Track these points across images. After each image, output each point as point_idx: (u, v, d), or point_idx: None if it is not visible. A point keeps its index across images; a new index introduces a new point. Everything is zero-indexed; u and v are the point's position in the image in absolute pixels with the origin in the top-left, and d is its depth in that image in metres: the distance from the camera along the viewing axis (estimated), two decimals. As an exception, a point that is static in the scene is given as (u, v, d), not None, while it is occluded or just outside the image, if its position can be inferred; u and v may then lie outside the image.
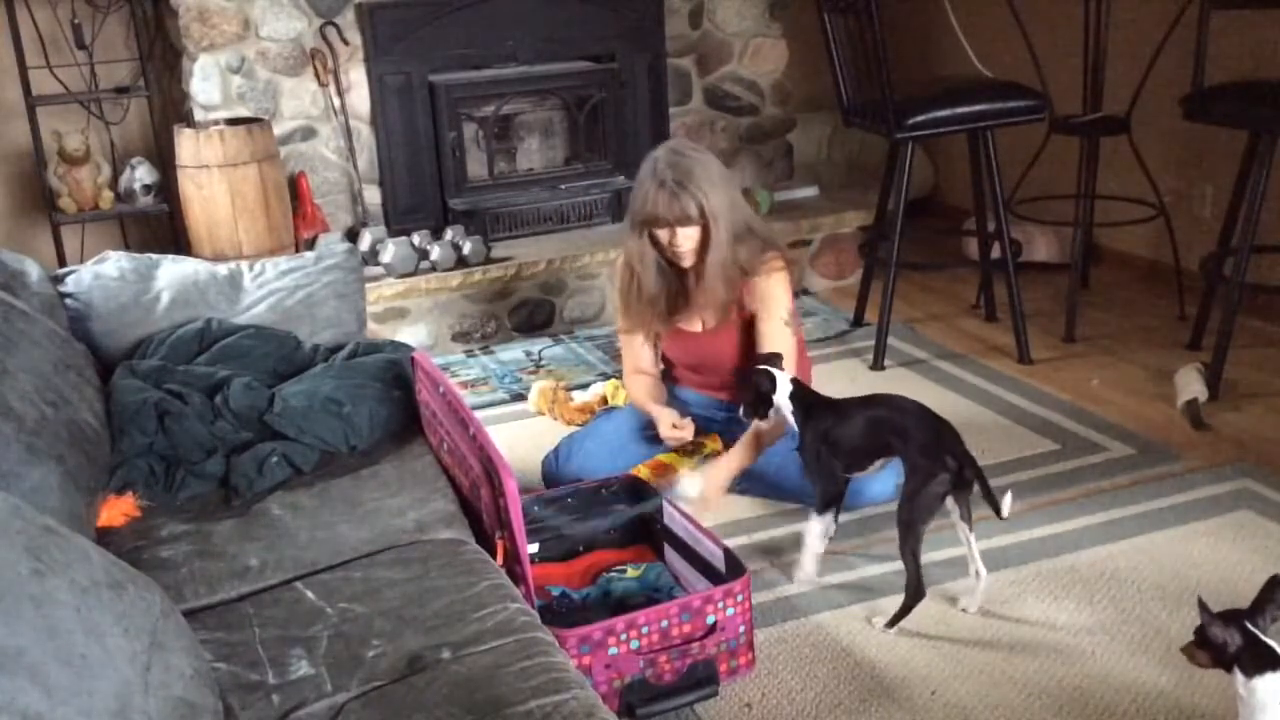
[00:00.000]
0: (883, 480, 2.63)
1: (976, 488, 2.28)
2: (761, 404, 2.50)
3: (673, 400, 2.98)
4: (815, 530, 2.45)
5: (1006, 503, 2.26)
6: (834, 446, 2.42)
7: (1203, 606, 1.76)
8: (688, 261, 2.74)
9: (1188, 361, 3.42)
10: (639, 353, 2.97)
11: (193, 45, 3.86)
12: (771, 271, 2.75)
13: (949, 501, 2.29)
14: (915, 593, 2.28)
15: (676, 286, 2.84)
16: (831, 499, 2.45)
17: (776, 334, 2.74)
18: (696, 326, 2.88)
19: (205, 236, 3.71)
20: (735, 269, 2.74)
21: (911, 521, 2.26)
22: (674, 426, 2.81)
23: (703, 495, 2.64)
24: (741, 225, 2.73)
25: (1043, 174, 3.97)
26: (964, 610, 2.35)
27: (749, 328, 2.81)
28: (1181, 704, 2.05)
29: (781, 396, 2.48)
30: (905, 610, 2.29)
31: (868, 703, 2.10)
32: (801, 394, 2.50)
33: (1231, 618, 1.74)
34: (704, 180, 2.64)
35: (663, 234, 2.70)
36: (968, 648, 2.24)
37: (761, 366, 2.51)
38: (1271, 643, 1.71)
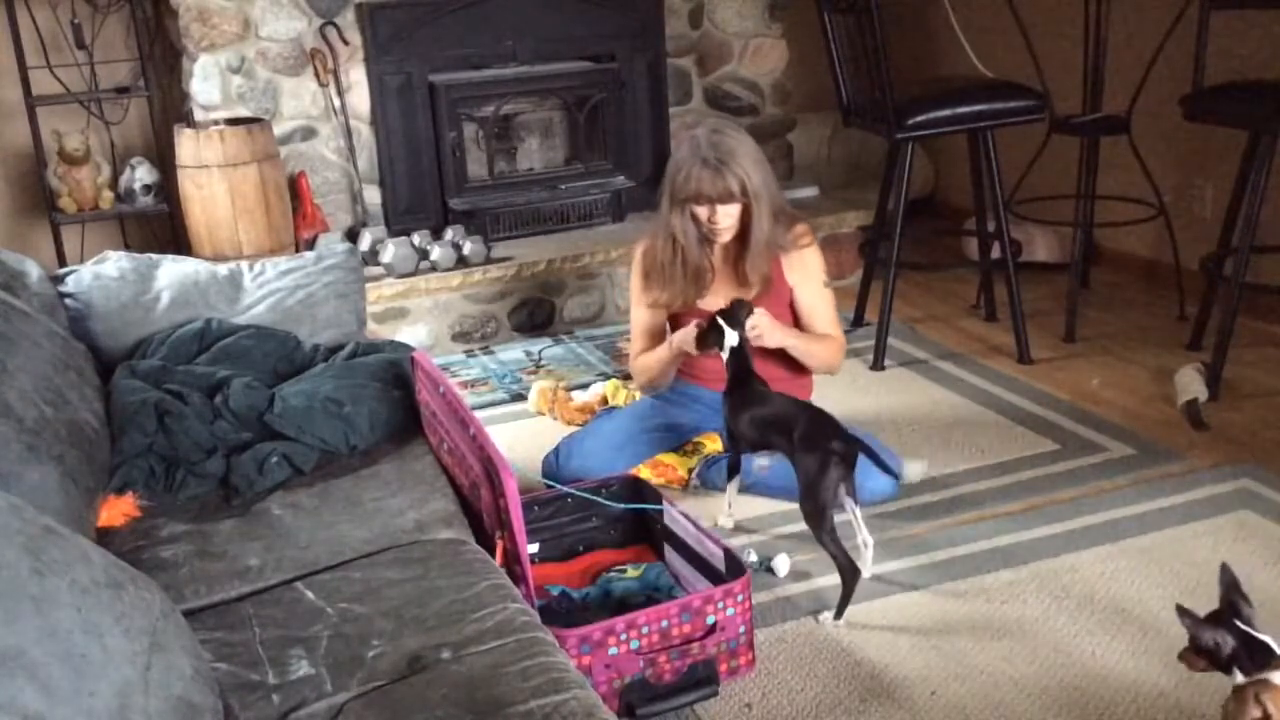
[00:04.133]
0: (875, 478, 2.63)
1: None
2: (714, 333, 2.64)
3: (678, 395, 2.99)
4: (735, 489, 2.70)
5: (917, 469, 2.44)
6: (732, 425, 2.61)
7: (1183, 613, 1.72)
8: (725, 238, 2.80)
9: (1188, 361, 3.42)
10: (649, 336, 2.97)
11: (193, 45, 3.86)
12: (804, 246, 2.89)
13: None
14: (850, 575, 2.32)
15: (705, 264, 2.87)
16: (732, 466, 2.69)
17: (822, 298, 2.91)
18: (719, 307, 2.89)
19: (205, 236, 3.71)
20: (773, 246, 2.82)
21: (816, 510, 2.34)
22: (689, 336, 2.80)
23: (755, 317, 2.72)
24: (778, 202, 2.84)
25: (1043, 174, 3.97)
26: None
27: (777, 305, 2.84)
28: (1181, 704, 2.05)
29: (731, 338, 2.63)
30: (847, 596, 2.32)
31: (868, 703, 2.10)
32: (739, 361, 2.63)
33: (1219, 619, 1.72)
34: (745, 158, 2.72)
35: (702, 211, 2.76)
36: (968, 648, 2.24)
37: (738, 308, 2.66)
38: (1265, 638, 1.70)
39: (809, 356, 2.89)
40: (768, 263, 2.84)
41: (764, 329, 2.72)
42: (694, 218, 2.79)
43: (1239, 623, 1.69)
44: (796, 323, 2.93)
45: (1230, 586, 1.74)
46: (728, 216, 2.76)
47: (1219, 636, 1.69)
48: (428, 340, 3.96)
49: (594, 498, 2.52)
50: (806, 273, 2.90)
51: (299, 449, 2.28)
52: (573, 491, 2.53)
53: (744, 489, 2.81)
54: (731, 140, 2.74)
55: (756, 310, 2.72)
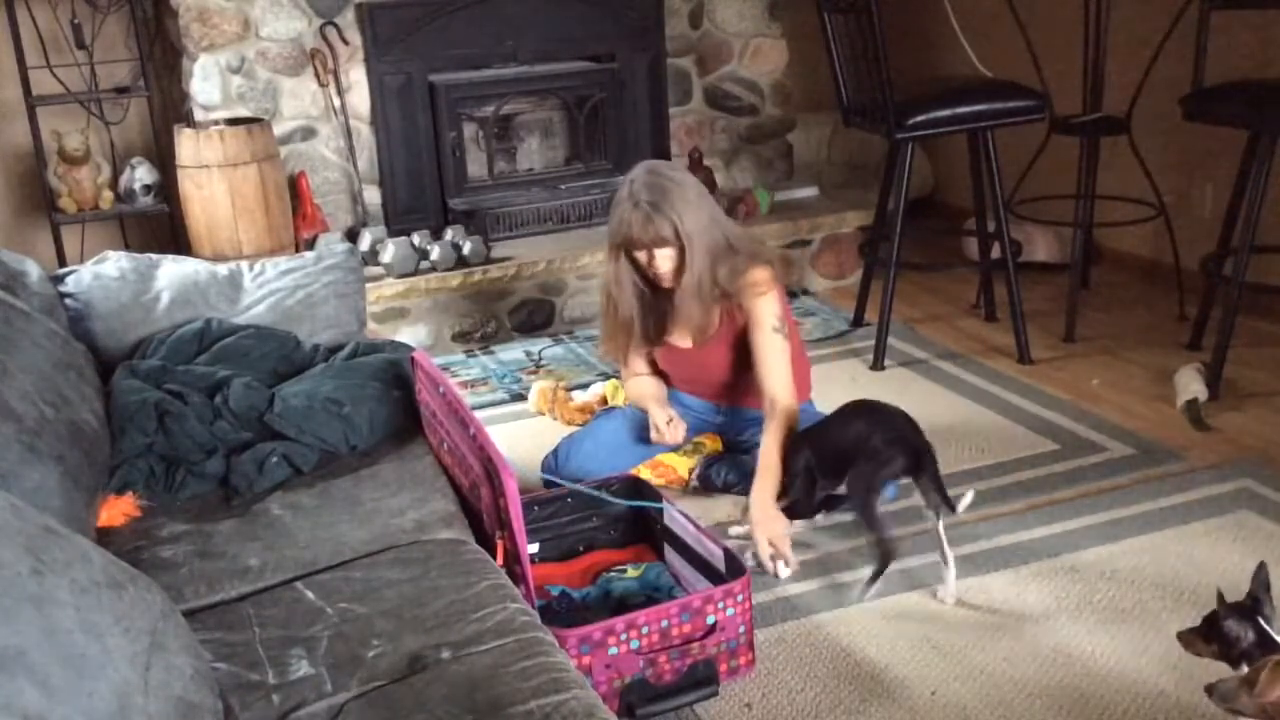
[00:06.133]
0: None
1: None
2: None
3: (674, 403, 2.98)
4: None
5: (965, 501, 2.41)
6: (816, 470, 2.57)
7: (1221, 598, 1.76)
8: (668, 282, 2.74)
9: (1188, 361, 3.42)
10: (634, 360, 2.98)
11: (193, 45, 3.86)
12: (756, 296, 2.72)
13: (919, 493, 2.46)
14: (884, 556, 2.38)
15: (662, 306, 2.83)
16: (799, 514, 2.64)
17: (769, 344, 2.72)
18: (686, 343, 2.88)
19: (205, 236, 3.71)
20: (714, 291, 2.72)
21: (866, 489, 2.41)
22: (661, 428, 2.82)
23: (758, 526, 2.54)
24: (721, 244, 2.71)
25: (1043, 174, 3.97)
26: (941, 601, 2.40)
27: (741, 340, 2.80)
28: (1182, 704, 2.05)
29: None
30: (877, 574, 2.39)
31: (868, 703, 2.10)
32: (796, 445, 2.62)
33: (1245, 612, 1.74)
34: (679, 201, 2.63)
35: (641, 255, 2.71)
36: (968, 648, 2.24)
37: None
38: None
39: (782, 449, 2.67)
40: (704, 308, 2.73)
41: (764, 528, 2.52)
42: (634, 262, 2.74)
43: (1262, 620, 1.72)
44: (746, 363, 2.79)
45: (1261, 585, 1.76)
46: (666, 260, 2.68)
47: (1243, 629, 1.71)
48: (428, 340, 3.96)
49: (597, 494, 2.52)
50: (756, 318, 2.72)
51: (299, 449, 2.28)
52: (577, 487, 2.52)
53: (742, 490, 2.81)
54: (666, 182, 2.65)
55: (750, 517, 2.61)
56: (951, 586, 2.39)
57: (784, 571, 2.50)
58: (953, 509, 2.38)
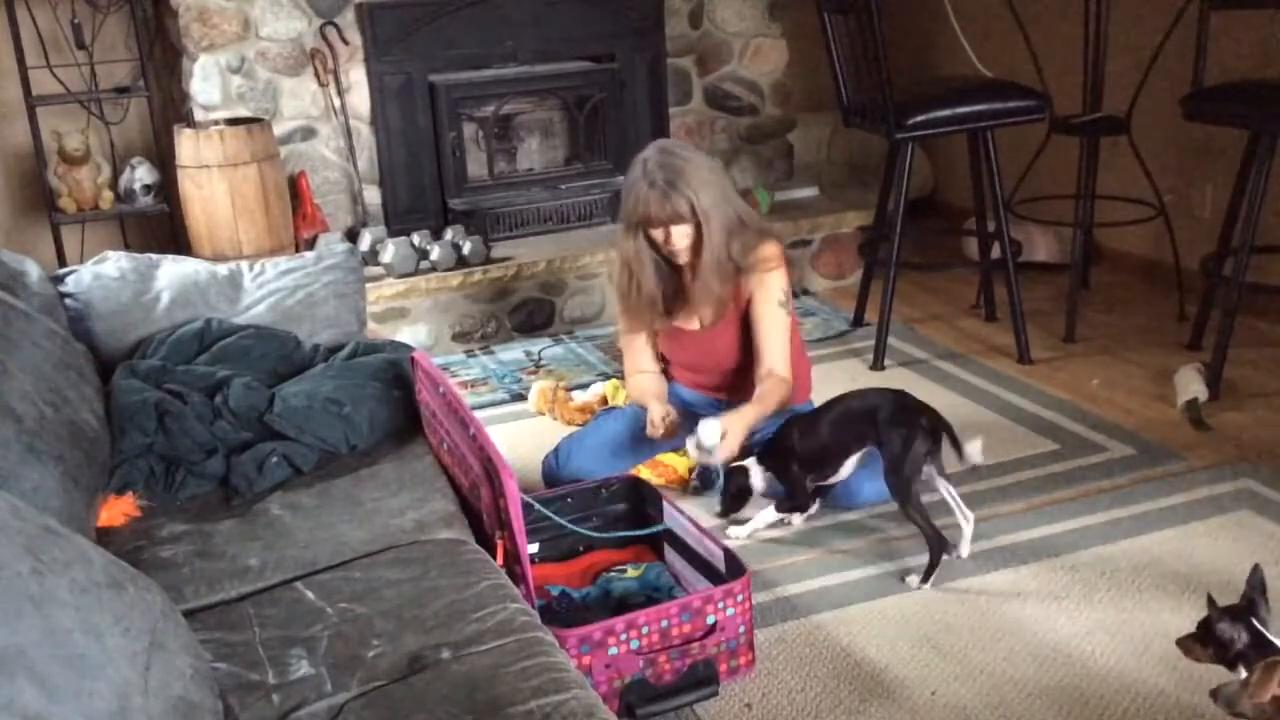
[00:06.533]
0: (874, 482, 2.63)
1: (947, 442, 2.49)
2: (741, 499, 2.70)
3: (673, 397, 2.98)
4: (769, 519, 2.67)
5: (975, 448, 2.47)
6: (804, 460, 2.62)
7: (1211, 602, 1.76)
8: (684, 258, 2.77)
9: (1188, 361, 3.42)
10: (640, 354, 2.98)
11: (193, 45, 3.86)
12: (766, 270, 2.79)
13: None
14: (936, 544, 2.42)
15: (674, 284, 2.85)
16: (797, 507, 2.68)
17: (772, 316, 2.80)
18: (694, 325, 2.89)
19: (205, 236, 3.71)
20: (730, 265, 2.76)
21: (901, 483, 2.43)
22: (657, 423, 2.82)
23: (724, 443, 2.64)
24: (734, 219, 2.77)
25: (1043, 174, 3.97)
26: (958, 557, 2.49)
27: (747, 320, 2.82)
28: (1182, 704, 2.05)
29: (757, 478, 2.67)
30: (933, 564, 2.42)
31: (868, 703, 2.10)
32: (765, 451, 2.69)
33: (1238, 614, 1.74)
34: (694, 178, 2.68)
35: (658, 233, 2.74)
36: (968, 648, 2.24)
37: (738, 465, 2.69)
38: (1277, 641, 1.72)
39: (768, 415, 2.75)
40: (722, 283, 2.78)
41: (729, 444, 2.64)
42: (650, 240, 2.77)
43: (1256, 622, 1.72)
44: (747, 339, 2.85)
45: (1256, 587, 1.76)
46: (683, 237, 2.73)
47: (1236, 631, 1.71)
48: (428, 340, 3.96)
49: (588, 532, 2.48)
50: (763, 291, 2.80)
51: (299, 449, 2.28)
52: (575, 529, 2.47)
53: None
54: (680, 160, 2.69)
55: (716, 420, 2.66)
56: (967, 541, 2.50)
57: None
58: (969, 459, 2.47)
